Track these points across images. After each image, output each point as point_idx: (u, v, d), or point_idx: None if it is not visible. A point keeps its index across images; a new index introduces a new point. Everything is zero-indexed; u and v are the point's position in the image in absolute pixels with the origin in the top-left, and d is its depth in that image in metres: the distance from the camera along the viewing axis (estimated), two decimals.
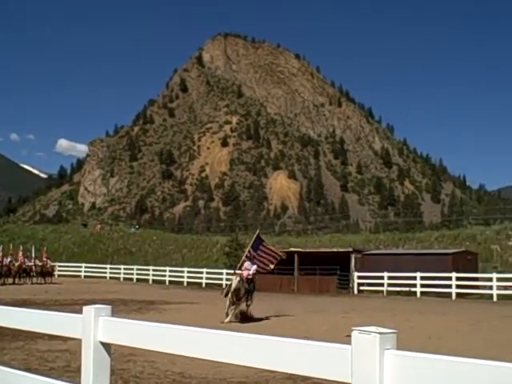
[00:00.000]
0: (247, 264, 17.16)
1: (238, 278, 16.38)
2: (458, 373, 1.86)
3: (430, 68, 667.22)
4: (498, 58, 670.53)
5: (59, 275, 46.35)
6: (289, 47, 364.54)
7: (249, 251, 17.56)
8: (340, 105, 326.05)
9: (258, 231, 19.40)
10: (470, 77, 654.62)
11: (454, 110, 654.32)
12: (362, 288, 33.96)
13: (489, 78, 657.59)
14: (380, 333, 2.03)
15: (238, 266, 17.64)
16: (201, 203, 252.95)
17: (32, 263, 39.15)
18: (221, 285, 41.09)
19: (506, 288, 29.88)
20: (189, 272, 42.61)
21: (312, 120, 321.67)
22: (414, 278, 31.03)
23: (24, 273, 38.28)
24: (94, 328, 3.39)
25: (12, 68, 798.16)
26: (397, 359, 2.00)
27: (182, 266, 45.05)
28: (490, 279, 29.91)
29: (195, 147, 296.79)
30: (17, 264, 37.61)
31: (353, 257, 35.10)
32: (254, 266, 17.14)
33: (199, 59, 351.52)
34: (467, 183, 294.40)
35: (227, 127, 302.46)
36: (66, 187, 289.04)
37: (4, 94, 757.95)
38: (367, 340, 2.04)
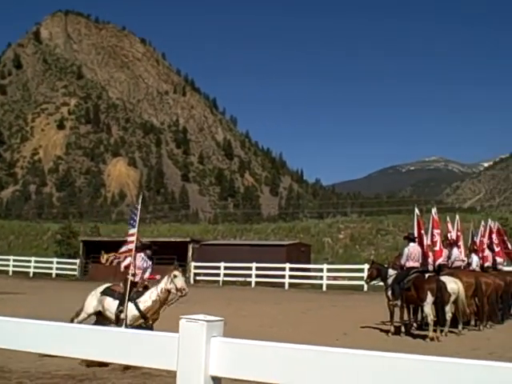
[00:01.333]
0: (141, 261, 10.40)
1: (172, 282, 9.72)
2: (281, 357, 1.94)
3: (277, 60, 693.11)
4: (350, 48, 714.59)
5: None
6: (134, 31, 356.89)
7: (138, 239, 10.65)
8: (184, 94, 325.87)
9: (140, 197, 11.39)
10: (317, 69, 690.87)
11: (296, 107, 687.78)
12: (198, 278, 34.40)
13: (332, 70, 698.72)
14: (207, 321, 2.05)
15: (127, 262, 10.41)
16: (32, 188, 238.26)
17: None
18: (50, 274, 39.07)
19: (335, 278, 32.07)
20: (15, 260, 40.38)
21: (155, 107, 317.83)
22: (250, 269, 32.16)
23: None
24: None
25: None
26: (223, 346, 2.04)
27: (8, 254, 42.39)
28: (321, 270, 31.89)
29: (28, 128, 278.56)
30: None
31: (190, 247, 35.42)
32: (150, 263, 10.62)
33: (36, 35, 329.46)
34: (304, 178, 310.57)
35: (65, 109, 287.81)
36: None
37: None
38: (194, 328, 2.05)
